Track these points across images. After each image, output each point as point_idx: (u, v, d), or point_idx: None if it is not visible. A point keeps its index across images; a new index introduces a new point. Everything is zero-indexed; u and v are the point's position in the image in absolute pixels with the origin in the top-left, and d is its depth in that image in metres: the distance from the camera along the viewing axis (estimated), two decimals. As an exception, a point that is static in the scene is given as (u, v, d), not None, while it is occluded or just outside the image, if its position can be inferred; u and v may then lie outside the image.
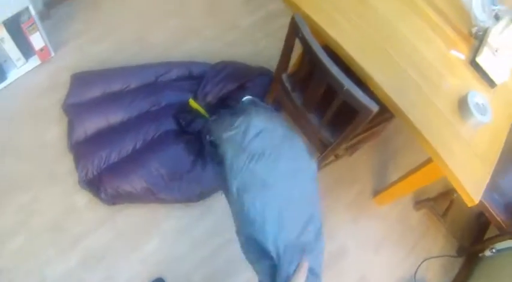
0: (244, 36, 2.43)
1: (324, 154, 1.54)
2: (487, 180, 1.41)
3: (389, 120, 1.66)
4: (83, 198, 1.75)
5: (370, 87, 1.37)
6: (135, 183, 1.68)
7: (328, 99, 1.30)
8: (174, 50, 2.22)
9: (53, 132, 1.86)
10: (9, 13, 1.66)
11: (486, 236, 2.20)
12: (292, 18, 1.23)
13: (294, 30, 1.26)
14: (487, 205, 1.83)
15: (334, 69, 1.16)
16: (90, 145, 1.76)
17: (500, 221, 1.86)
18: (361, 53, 1.38)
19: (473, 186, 1.35)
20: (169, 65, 2.01)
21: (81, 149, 1.77)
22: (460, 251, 2.17)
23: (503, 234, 1.92)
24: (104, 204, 1.73)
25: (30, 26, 1.80)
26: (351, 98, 1.18)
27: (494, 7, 1.67)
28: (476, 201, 1.35)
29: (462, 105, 1.48)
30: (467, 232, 2.22)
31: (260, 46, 2.40)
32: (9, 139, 1.82)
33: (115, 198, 1.71)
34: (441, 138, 1.37)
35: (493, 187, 1.91)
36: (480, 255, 2.10)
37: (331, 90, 1.23)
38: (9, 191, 1.71)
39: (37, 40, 1.88)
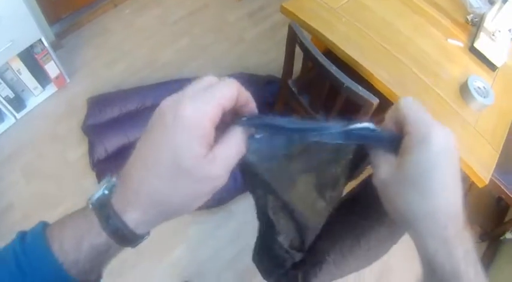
0: (251, 48, 2.50)
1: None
2: (496, 160, 1.41)
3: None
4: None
5: (372, 83, 1.41)
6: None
7: (332, 98, 1.36)
8: (184, 68, 2.30)
9: (74, 153, 1.96)
10: (23, 46, 1.78)
11: (506, 219, 2.20)
12: (289, 27, 1.30)
13: (292, 38, 1.33)
14: (504, 188, 1.84)
15: (333, 69, 1.22)
16: (111, 161, 1.85)
17: (519, 202, 1.87)
18: (360, 53, 1.43)
19: (481, 167, 1.36)
20: (182, 81, 2.06)
21: (103, 165, 1.86)
22: (483, 236, 2.18)
23: (522, 215, 1.93)
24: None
25: (44, 56, 1.91)
26: (351, 94, 1.24)
27: (488, -8, 1.71)
28: (486, 181, 1.35)
29: (464, 91, 1.51)
30: (488, 218, 2.22)
31: (268, 56, 2.46)
32: (34, 163, 1.92)
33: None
34: (445, 124, 1.39)
35: (509, 170, 1.92)
36: (501, 238, 2.10)
37: (334, 89, 1.29)
38: (40, 209, 1.79)
39: (52, 69, 1.99)
